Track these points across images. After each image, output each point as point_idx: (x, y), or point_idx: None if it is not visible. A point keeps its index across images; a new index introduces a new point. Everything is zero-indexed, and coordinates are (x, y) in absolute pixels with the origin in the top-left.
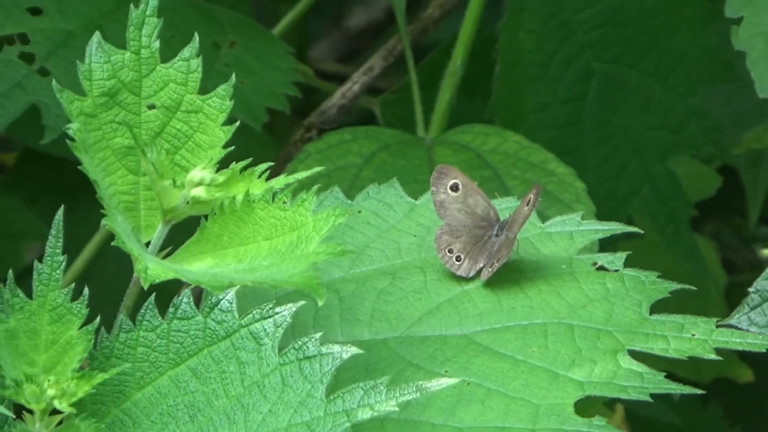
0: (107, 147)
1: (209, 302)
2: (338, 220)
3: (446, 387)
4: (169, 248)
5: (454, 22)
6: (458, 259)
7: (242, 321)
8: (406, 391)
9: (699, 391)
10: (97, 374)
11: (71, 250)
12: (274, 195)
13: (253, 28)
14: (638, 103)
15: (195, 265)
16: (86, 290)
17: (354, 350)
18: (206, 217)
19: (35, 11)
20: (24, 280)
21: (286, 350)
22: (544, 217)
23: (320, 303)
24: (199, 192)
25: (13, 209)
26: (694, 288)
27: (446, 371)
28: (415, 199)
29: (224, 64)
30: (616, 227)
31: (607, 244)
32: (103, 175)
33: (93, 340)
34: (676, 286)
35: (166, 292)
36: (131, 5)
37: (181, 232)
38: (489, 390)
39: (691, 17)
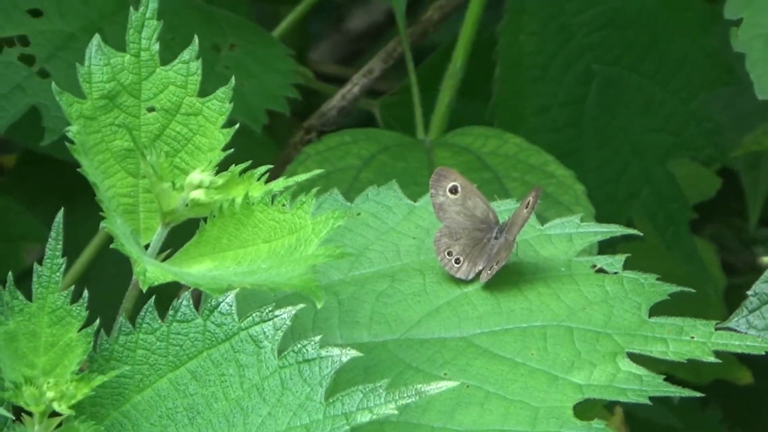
0: (107, 149)
1: (209, 305)
2: (337, 223)
3: (445, 390)
4: (169, 251)
5: (454, 24)
6: (457, 261)
7: (242, 324)
8: (405, 395)
9: (698, 394)
10: (96, 377)
11: (71, 252)
12: (274, 197)
13: (253, 31)
14: (638, 106)
15: (194, 267)
16: (86, 292)
17: (353, 353)
18: (205, 219)
19: (35, 13)
20: (24, 282)
21: (285, 353)
22: (543, 219)
23: (319, 306)
24: (199, 194)
25: (12, 211)
26: (693, 290)
27: (445, 374)
28: (414, 201)
29: (224, 66)
30: (615, 229)
31: (606, 247)
32: (103, 178)
33: (92, 343)
34: (675, 288)
35: (166, 294)
36: (131, 8)
37: (181, 234)
38: (488, 393)
39: (691, 20)
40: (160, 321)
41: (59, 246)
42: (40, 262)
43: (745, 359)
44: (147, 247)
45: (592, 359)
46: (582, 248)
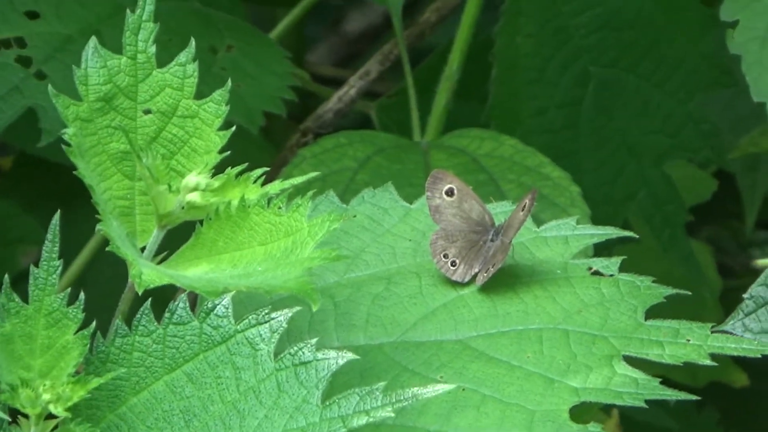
0: (103, 152)
1: (205, 307)
2: (333, 226)
3: (442, 393)
4: (165, 253)
5: (451, 26)
6: (453, 264)
7: (238, 326)
8: (402, 397)
9: (694, 397)
10: (92, 379)
11: (67, 254)
12: (270, 200)
13: (250, 32)
14: (635, 108)
15: (190, 270)
16: (82, 295)
17: (350, 356)
18: (201, 222)
19: (33, 15)
20: (20, 284)
21: (281, 356)
22: (539, 221)
23: (315, 308)
24: (195, 197)
25: (9, 214)
26: (689, 293)
27: (441, 377)
28: (410, 203)
29: (221, 67)
30: (612, 231)
31: (602, 249)
32: (99, 180)
33: (89, 345)
34: (671, 291)
35: (162, 297)
36: (128, 10)
37: (177, 237)
38: (484, 396)
39: (688, 22)
40: (156, 323)
41: (56, 248)
42: (36, 265)
43: (740, 361)
44: (143, 249)
45: (588, 362)
46: (578, 250)
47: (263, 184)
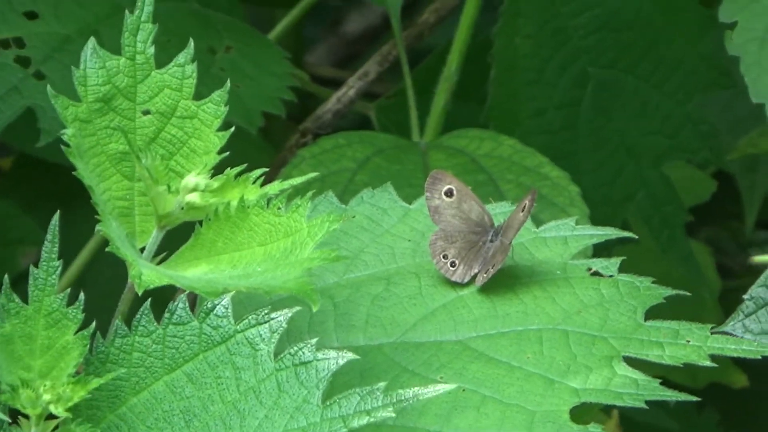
0: (102, 152)
1: (204, 308)
2: (333, 226)
3: (442, 393)
4: (164, 254)
5: (450, 27)
6: (453, 264)
7: (238, 326)
8: (402, 397)
9: (694, 398)
10: (92, 379)
11: (67, 255)
12: (269, 201)
13: (248, 33)
14: (634, 109)
15: (190, 270)
16: (82, 295)
17: (350, 356)
18: (201, 222)
19: (31, 15)
20: (20, 285)
21: (281, 356)
22: (538, 221)
23: (314, 309)
24: (194, 198)
25: (9, 214)
26: (688, 294)
27: (441, 377)
28: (409, 203)
29: (220, 68)
30: (611, 232)
31: (601, 249)
32: (98, 181)
33: (88, 345)
34: (671, 291)
35: (161, 297)
36: (126, 11)
37: (176, 237)
38: (484, 396)
39: (687, 23)
40: (156, 324)
41: (55, 249)
42: (36, 265)
43: (740, 363)
44: (142, 250)
45: (588, 363)
46: (577, 251)
47: (262, 184)
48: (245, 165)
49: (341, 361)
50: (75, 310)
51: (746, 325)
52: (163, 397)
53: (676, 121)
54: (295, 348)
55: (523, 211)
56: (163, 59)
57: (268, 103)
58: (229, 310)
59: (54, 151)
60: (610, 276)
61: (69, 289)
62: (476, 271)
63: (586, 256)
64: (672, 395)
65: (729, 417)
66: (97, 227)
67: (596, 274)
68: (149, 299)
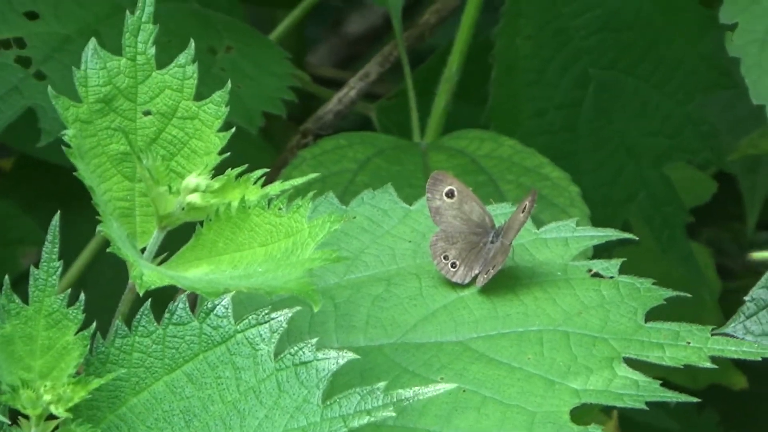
0: (103, 153)
1: (205, 308)
2: (334, 227)
3: (442, 394)
4: (165, 254)
5: (451, 27)
6: (453, 265)
7: (238, 326)
8: (403, 397)
9: (695, 400)
10: (92, 379)
11: (68, 255)
12: (270, 201)
13: (249, 34)
14: (634, 109)
15: (190, 271)
16: (82, 296)
17: (350, 356)
18: (202, 223)
19: (32, 15)
20: (20, 285)
21: (282, 356)
22: (538, 221)
23: (316, 309)
24: (195, 198)
25: (9, 215)
26: (689, 295)
27: (442, 378)
28: (410, 204)
29: (220, 69)
30: (611, 233)
31: (602, 250)
32: (99, 182)
33: (89, 346)
34: (671, 293)
35: (162, 298)
36: (127, 11)
37: (177, 238)
38: (485, 397)
39: (687, 23)
40: (156, 324)
41: (56, 249)
42: (36, 266)
43: (740, 364)
44: (143, 250)
45: (589, 364)
46: (578, 252)
47: (263, 185)
48: (246, 166)
49: (341, 361)
50: (75, 311)
51: (747, 326)
52: (163, 397)
53: (677, 122)
54: (296, 348)
55: (523, 211)
56: (163, 60)
57: (268, 103)
58: (230, 310)
59: (55, 151)
60: (611, 277)
61: (69, 290)
62: (477, 272)
63: (587, 258)
64: (672, 396)
65: (729, 418)
66: (98, 228)
67: (597, 275)
68: (149, 300)
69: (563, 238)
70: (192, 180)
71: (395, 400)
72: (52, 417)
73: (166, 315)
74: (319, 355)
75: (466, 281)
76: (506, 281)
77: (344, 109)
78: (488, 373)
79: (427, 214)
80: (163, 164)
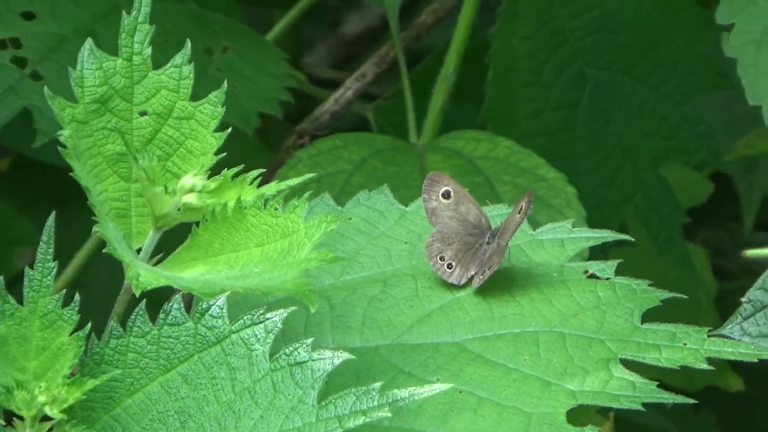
0: (99, 154)
1: (200, 308)
2: (330, 227)
3: (438, 394)
4: (161, 255)
5: (448, 28)
6: (449, 266)
7: (233, 327)
8: (398, 397)
9: (691, 401)
10: (87, 380)
11: (63, 256)
12: (266, 201)
13: (246, 34)
14: (631, 110)
15: (186, 271)
16: (77, 296)
17: (345, 356)
18: (197, 223)
19: (28, 16)
20: (16, 286)
21: (277, 356)
22: (534, 222)
23: (312, 310)
24: (191, 198)
25: (5, 215)
26: (685, 297)
27: (438, 379)
28: (406, 205)
29: (217, 69)
30: (607, 235)
31: (598, 252)
32: (95, 182)
33: (83, 347)
34: (667, 294)
35: (157, 298)
36: (123, 11)
37: (173, 238)
38: (481, 398)
39: (684, 24)
40: (150, 324)
41: (50, 250)
42: (31, 266)
43: (737, 366)
44: (139, 251)
45: (585, 365)
46: (574, 253)
47: (259, 185)
48: (242, 166)
49: (337, 361)
50: (70, 312)
51: (744, 328)
52: (158, 398)
53: (674, 123)
54: (291, 348)
55: (519, 213)
56: (160, 60)
57: (264, 104)
58: (224, 311)
59: (51, 152)
60: (607, 278)
61: (64, 291)
62: (473, 273)
63: (583, 259)
64: (669, 398)
65: (725, 420)
66: (94, 228)
67: (593, 276)
68: (144, 300)
69: (559, 240)
70: (188, 180)
71: (391, 400)
72: (46, 418)
73: (161, 315)
74: (315, 355)
75: (462, 282)
76: (502, 282)
77: (341, 109)
78: (484, 374)
79: (423, 215)
80: (159, 164)
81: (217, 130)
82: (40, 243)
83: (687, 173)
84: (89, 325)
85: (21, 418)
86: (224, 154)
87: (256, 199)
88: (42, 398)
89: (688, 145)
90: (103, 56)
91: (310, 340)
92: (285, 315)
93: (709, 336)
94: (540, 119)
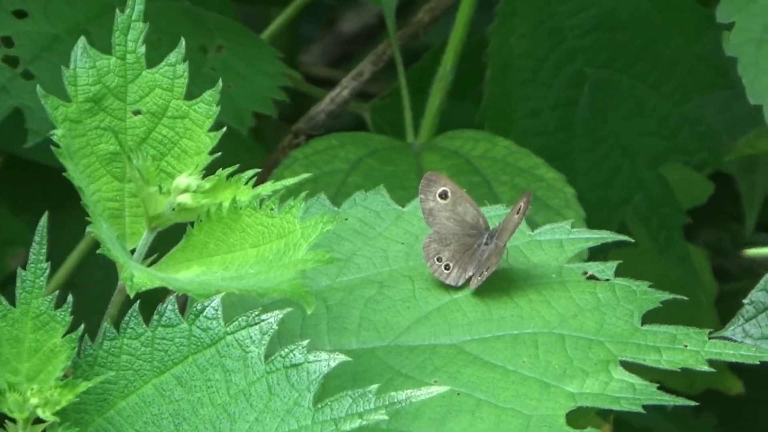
0: (92, 153)
1: (194, 309)
2: (326, 228)
3: (436, 396)
4: (155, 256)
5: (445, 26)
6: (447, 267)
7: (228, 328)
8: (395, 400)
9: (691, 403)
10: (80, 383)
11: (56, 257)
12: (261, 202)
13: (241, 32)
14: (630, 109)
15: (181, 272)
16: (70, 298)
17: (342, 358)
18: (192, 224)
19: (20, 14)
20: (8, 287)
21: (272, 358)
22: (532, 223)
23: (309, 311)
24: (185, 199)
25: None
26: (685, 298)
27: (435, 381)
28: (402, 205)
29: (211, 68)
30: (606, 236)
31: (598, 252)
32: (88, 182)
33: (77, 348)
34: (667, 296)
35: (151, 299)
36: (117, 10)
37: (167, 239)
38: (479, 400)
39: (684, 22)
40: (144, 326)
41: (43, 250)
42: (24, 267)
43: (737, 368)
44: (133, 252)
45: (585, 367)
46: (573, 254)
47: (254, 185)
48: (237, 166)
49: (333, 363)
50: (63, 313)
51: (746, 329)
52: (152, 400)
53: (674, 122)
54: (286, 350)
55: (518, 213)
56: (154, 58)
57: (259, 103)
58: (219, 312)
59: (43, 152)
60: (607, 280)
61: (57, 292)
62: (470, 274)
63: (582, 260)
64: (669, 400)
65: (726, 423)
66: (88, 229)
67: (592, 277)
68: (138, 301)
69: (558, 240)
70: (182, 180)
71: (388, 403)
72: (39, 420)
73: (155, 317)
74: (310, 357)
75: (460, 283)
76: (500, 283)
77: (337, 108)
78: (482, 376)
79: (420, 216)
80: (153, 164)
81: (211, 129)
82: (33, 243)
83: (687, 173)
84: (82, 326)
85: (13, 420)
86: (219, 153)
87: (252, 200)
88: (34, 400)
89: (688, 145)
90: (97, 55)
91: (306, 342)
92: (281, 316)
93: (710, 338)
94: (538, 118)
